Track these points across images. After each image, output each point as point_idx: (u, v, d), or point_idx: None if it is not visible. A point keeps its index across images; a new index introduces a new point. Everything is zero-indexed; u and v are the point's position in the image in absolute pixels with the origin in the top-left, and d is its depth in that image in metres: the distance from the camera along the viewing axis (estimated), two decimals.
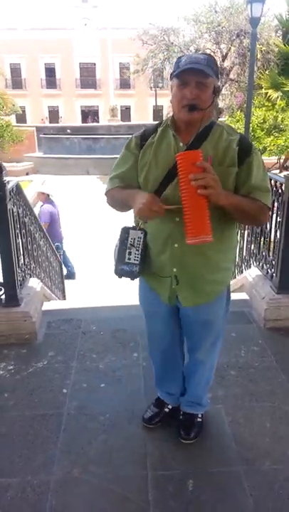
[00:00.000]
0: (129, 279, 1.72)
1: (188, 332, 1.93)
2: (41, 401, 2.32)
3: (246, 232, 3.81)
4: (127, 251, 1.66)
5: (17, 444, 2.04)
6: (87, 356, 2.71)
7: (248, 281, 3.44)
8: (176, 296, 1.75)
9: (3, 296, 2.93)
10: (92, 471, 1.88)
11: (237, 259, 4.06)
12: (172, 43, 13.97)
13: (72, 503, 1.74)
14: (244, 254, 3.85)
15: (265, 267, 3.34)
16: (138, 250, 1.66)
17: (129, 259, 1.65)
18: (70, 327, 3.07)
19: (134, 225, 1.72)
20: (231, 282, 4.03)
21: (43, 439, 2.06)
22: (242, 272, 3.81)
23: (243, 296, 3.46)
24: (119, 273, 1.68)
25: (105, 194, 1.80)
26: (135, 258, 1.66)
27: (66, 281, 5.99)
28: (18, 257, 3.07)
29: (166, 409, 2.14)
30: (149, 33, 14.55)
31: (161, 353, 2.02)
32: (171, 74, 1.58)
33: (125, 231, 1.67)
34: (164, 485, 1.81)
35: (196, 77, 1.48)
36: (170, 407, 2.14)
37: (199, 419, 2.10)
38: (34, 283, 3.34)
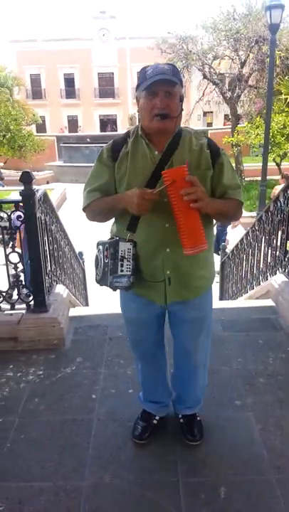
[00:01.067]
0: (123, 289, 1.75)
1: (179, 331, 1.93)
2: (71, 406, 2.35)
3: (272, 237, 3.78)
4: (119, 263, 1.66)
5: (48, 448, 2.06)
6: (114, 362, 2.73)
7: (273, 287, 3.42)
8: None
9: (32, 302, 2.98)
10: (123, 477, 1.89)
11: (262, 266, 4.04)
12: (191, 51, 14.03)
13: (105, 508, 1.76)
14: (269, 260, 3.82)
15: None
16: (129, 261, 1.67)
17: (121, 271, 1.67)
18: (96, 333, 3.10)
19: (118, 237, 1.72)
20: (255, 289, 4.02)
21: (73, 444, 2.08)
22: (267, 279, 3.79)
23: (268, 302, 3.44)
24: (114, 286, 1.68)
25: (84, 209, 1.79)
26: (127, 269, 1.67)
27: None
28: (46, 264, 3.12)
29: (154, 421, 2.11)
30: (167, 42, 14.65)
31: (145, 360, 2.03)
32: (137, 85, 1.63)
33: (115, 244, 1.67)
34: (196, 492, 1.80)
35: (163, 86, 1.54)
36: (157, 418, 2.12)
37: (198, 418, 2.12)
38: (61, 289, 3.39)
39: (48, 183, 18.02)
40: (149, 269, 1.74)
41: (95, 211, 1.78)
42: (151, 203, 1.57)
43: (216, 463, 1.95)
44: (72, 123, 34.44)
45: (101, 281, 1.76)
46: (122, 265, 1.67)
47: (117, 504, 1.77)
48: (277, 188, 8.21)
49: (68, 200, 15.07)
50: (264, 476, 1.87)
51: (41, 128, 29.68)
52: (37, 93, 34.01)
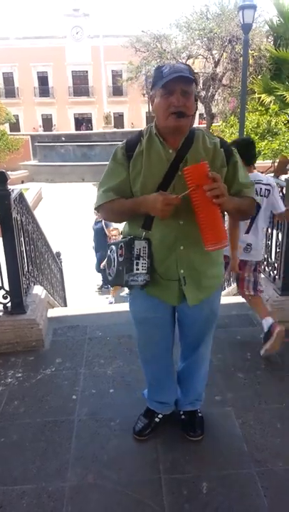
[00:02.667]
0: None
1: (190, 330, 1.95)
2: (52, 408, 2.33)
3: None
4: (135, 262, 1.67)
5: (30, 451, 2.04)
6: (94, 362, 2.72)
7: None
8: (183, 296, 1.78)
9: (9, 304, 2.94)
10: (106, 477, 1.89)
11: None
12: (165, 50, 14.07)
13: (88, 508, 1.75)
14: None
15: (267, 269, 3.37)
16: (145, 260, 1.68)
17: (137, 269, 1.67)
18: (76, 333, 3.08)
19: (132, 235, 1.73)
20: (233, 285, 4.07)
21: (55, 446, 2.07)
22: None
23: None
24: (129, 284, 1.69)
25: (98, 207, 1.79)
26: (143, 267, 1.68)
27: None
28: (22, 265, 3.08)
29: (157, 419, 2.13)
30: (141, 41, 14.64)
31: (155, 361, 2.03)
32: (152, 84, 1.64)
33: (130, 242, 1.68)
34: (178, 488, 1.82)
35: (181, 85, 1.55)
36: (160, 416, 2.14)
37: (200, 414, 2.15)
38: (39, 290, 3.36)
39: (22, 182, 17.77)
40: (163, 267, 1.74)
41: (111, 212, 1.78)
42: (173, 208, 1.58)
43: (198, 458, 1.97)
44: (47, 122, 34.05)
45: (115, 280, 1.75)
46: (137, 263, 1.68)
47: (101, 504, 1.77)
48: None
49: (44, 199, 14.92)
50: (245, 470, 1.91)
51: (15, 127, 29.21)
52: (10, 92, 33.46)
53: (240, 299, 3.57)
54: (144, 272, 1.68)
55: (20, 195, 3.20)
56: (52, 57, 32.41)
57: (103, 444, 2.07)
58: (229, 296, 3.99)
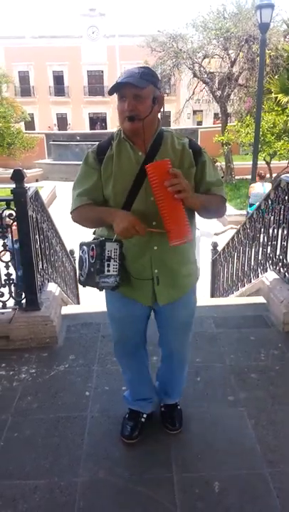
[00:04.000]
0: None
1: (167, 329, 1.96)
2: (64, 404, 2.34)
3: (262, 235, 3.81)
4: (106, 263, 1.67)
5: (42, 446, 2.06)
6: (107, 359, 2.73)
7: (265, 285, 3.45)
8: (155, 295, 1.81)
9: (23, 301, 2.97)
10: (118, 474, 1.90)
11: (253, 263, 4.07)
12: (181, 50, 14.01)
13: (100, 504, 1.76)
14: (260, 257, 3.85)
15: (282, 270, 3.35)
16: (116, 261, 1.68)
17: (108, 271, 1.67)
18: (89, 331, 3.10)
19: (104, 237, 1.73)
20: (247, 286, 4.05)
21: (68, 442, 2.08)
22: (258, 276, 3.82)
23: (260, 299, 3.47)
24: (101, 286, 1.69)
25: (72, 211, 1.79)
26: (114, 269, 1.68)
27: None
28: (37, 262, 3.11)
29: (142, 419, 2.14)
30: (157, 40, 14.62)
31: (130, 358, 2.06)
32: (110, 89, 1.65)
33: (102, 244, 1.67)
34: (190, 487, 1.82)
35: (130, 90, 1.57)
36: (145, 416, 2.15)
37: (179, 407, 2.19)
38: (53, 288, 3.38)
39: (37, 181, 17.90)
40: (137, 268, 1.76)
41: (82, 217, 1.78)
42: (135, 234, 1.59)
43: (210, 458, 1.97)
44: (62, 121, 34.22)
45: (86, 281, 1.76)
46: (108, 265, 1.67)
47: (112, 500, 1.78)
48: (254, 187, 8.25)
49: (58, 198, 14.99)
50: (257, 470, 1.90)
51: (30, 126, 29.40)
52: (25, 90, 33.69)
53: (254, 300, 3.56)
54: (114, 273, 1.68)
55: (36, 193, 3.23)
56: (68, 57, 32.55)
57: (115, 441, 2.08)
58: (244, 297, 3.96)
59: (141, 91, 1.57)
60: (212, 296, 5.94)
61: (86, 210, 1.74)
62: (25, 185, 2.89)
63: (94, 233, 1.89)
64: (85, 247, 1.76)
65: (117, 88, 1.58)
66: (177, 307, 1.86)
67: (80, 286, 5.96)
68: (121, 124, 1.66)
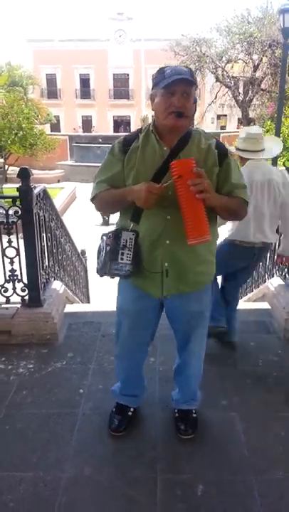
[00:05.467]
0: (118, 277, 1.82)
1: (178, 324, 1.97)
2: (58, 400, 2.37)
3: None
4: (120, 251, 1.72)
5: (32, 440, 2.09)
6: (105, 358, 2.75)
7: (269, 290, 3.41)
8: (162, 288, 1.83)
9: (26, 297, 3.02)
10: (103, 471, 1.91)
11: (260, 269, 4.03)
12: (204, 54, 14.02)
13: (81, 501, 1.77)
14: (267, 263, 3.81)
15: (287, 276, 3.30)
16: (130, 251, 1.73)
17: (122, 259, 1.73)
18: (90, 329, 3.12)
19: (121, 227, 1.79)
20: (254, 292, 4.01)
21: (57, 437, 2.10)
22: (265, 282, 3.78)
23: (264, 305, 3.43)
24: (112, 273, 1.74)
25: (93, 198, 1.85)
26: (128, 258, 1.73)
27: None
28: (42, 260, 3.16)
29: (130, 413, 2.16)
30: (181, 44, 14.68)
31: (130, 353, 2.07)
32: (154, 84, 1.69)
33: (117, 233, 1.74)
34: (173, 488, 1.81)
35: (182, 86, 1.61)
36: (132, 409, 2.17)
37: (194, 415, 2.14)
38: (57, 285, 3.42)
39: (58, 181, 18.16)
40: (148, 260, 1.79)
41: (102, 202, 1.84)
42: (157, 197, 1.63)
43: (196, 461, 1.95)
44: (87, 123, 34.59)
45: (101, 269, 1.81)
46: (122, 253, 1.73)
47: (94, 497, 1.78)
48: None
49: (78, 199, 15.16)
50: (243, 476, 1.87)
51: (55, 127, 29.85)
52: (52, 93, 34.22)
53: (259, 305, 3.53)
54: (128, 262, 1.73)
55: (44, 192, 3.28)
56: (94, 60, 32.90)
57: (104, 439, 2.09)
58: (248, 302, 3.93)
59: (191, 89, 1.63)
60: None
61: (105, 195, 1.80)
62: (37, 184, 2.96)
63: (116, 224, 1.93)
64: (104, 236, 1.83)
65: (173, 83, 1.59)
66: (187, 300, 1.87)
67: (90, 286, 6.03)
68: (163, 118, 1.67)
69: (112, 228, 1.88)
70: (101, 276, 1.84)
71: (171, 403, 2.22)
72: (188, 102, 1.64)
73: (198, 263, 1.83)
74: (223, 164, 1.75)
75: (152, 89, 1.73)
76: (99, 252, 1.83)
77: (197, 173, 1.56)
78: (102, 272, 1.81)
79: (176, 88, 1.61)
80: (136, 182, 1.71)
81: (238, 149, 2.68)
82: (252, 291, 4.26)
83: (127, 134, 1.84)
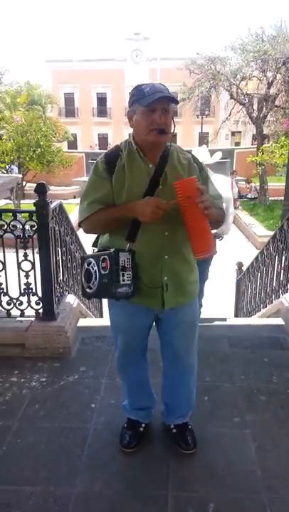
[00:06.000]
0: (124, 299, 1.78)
1: (174, 338, 1.96)
2: (70, 414, 2.37)
3: (284, 256, 3.74)
4: (121, 273, 1.71)
5: (43, 454, 2.09)
6: (117, 373, 2.74)
7: (284, 306, 3.37)
8: (162, 302, 1.84)
9: (40, 310, 3.05)
10: (114, 487, 1.89)
11: (275, 284, 4.00)
12: (219, 72, 14.19)
13: None
14: (281, 278, 3.78)
15: None
16: (129, 271, 1.73)
17: (123, 280, 1.71)
18: (103, 344, 3.13)
19: (114, 247, 1.75)
20: (268, 307, 3.97)
21: (68, 452, 2.10)
22: (279, 297, 3.74)
23: (278, 321, 3.40)
24: (117, 296, 1.72)
25: (83, 221, 1.81)
26: (128, 278, 1.73)
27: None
28: (57, 274, 3.19)
29: (141, 429, 2.15)
30: (196, 63, 14.89)
31: (134, 367, 2.07)
32: (133, 101, 1.71)
33: (115, 254, 1.70)
34: (184, 506, 1.79)
35: (162, 104, 1.66)
36: (144, 425, 2.15)
37: (190, 426, 2.13)
38: (71, 299, 3.45)
39: (74, 197, 18.36)
40: (148, 276, 1.80)
41: (96, 223, 1.81)
42: (164, 213, 1.66)
43: (208, 478, 1.92)
44: (103, 140, 35.11)
45: (99, 293, 1.80)
46: (123, 275, 1.72)
47: None
48: None
49: None
50: (256, 495, 1.84)
51: (72, 145, 30.38)
52: (70, 111, 34.96)
53: (272, 321, 3.49)
54: (128, 282, 1.73)
55: (60, 207, 3.33)
56: (111, 79, 33.58)
57: (115, 454, 2.08)
58: (261, 318, 3.89)
59: (169, 106, 1.69)
60: (236, 316, 5.84)
61: (101, 215, 1.77)
62: (54, 200, 3.02)
63: (93, 245, 1.94)
64: (92, 259, 1.79)
65: (156, 101, 1.62)
66: (182, 312, 1.90)
67: (103, 300, 6.03)
68: (145, 135, 1.70)
69: (92, 251, 1.90)
70: (89, 299, 1.86)
71: (162, 418, 2.20)
72: (168, 118, 1.68)
73: (190, 273, 1.90)
74: (201, 177, 1.80)
75: (130, 106, 1.75)
76: (89, 276, 1.79)
77: (202, 190, 1.61)
78: (99, 295, 1.82)
79: (157, 105, 1.65)
80: (129, 200, 1.73)
81: None
82: (266, 306, 4.22)
83: (106, 152, 1.83)
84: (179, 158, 1.80)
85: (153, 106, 1.65)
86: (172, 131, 1.71)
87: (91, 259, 1.80)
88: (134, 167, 1.76)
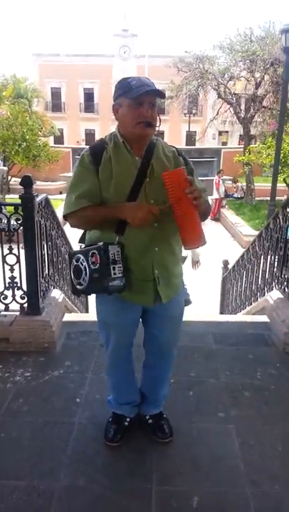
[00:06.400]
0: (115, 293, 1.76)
1: (162, 331, 1.97)
2: (54, 409, 2.35)
3: (269, 256, 3.78)
4: (111, 266, 1.69)
5: (27, 448, 2.07)
6: (102, 368, 2.72)
7: (269, 303, 3.41)
8: (156, 296, 1.84)
9: (25, 305, 3.01)
10: (98, 481, 1.89)
11: (260, 282, 4.03)
12: (207, 71, 14.22)
13: (75, 511, 1.75)
14: (266, 276, 3.81)
15: (287, 289, 3.30)
16: (120, 263, 1.71)
17: (114, 274, 1.70)
18: (88, 339, 3.11)
19: (102, 241, 1.72)
20: (253, 305, 4.01)
21: (52, 446, 2.08)
22: (264, 295, 3.77)
23: (263, 318, 3.43)
24: (109, 289, 1.70)
25: (69, 215, 1.78)
26: (119, 271, 1.71)
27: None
28: (42, 268, 3.16)
29: (126, 423, 2.15)
30: (184, 61, 14.89)
31: (122, 362, 2.07)
32: (119, 94, 1.72)
33: (104, 248, 1.69)
34: (168, 500, 1.79)
35: (149, 97, 1.68)
36: (128, 420, 2.16)
37: (165, 415, 2.17)
38: (56, 294, 3.42)
39: (60, 193, 18.21)
40: (138, 268, 1.79)
41: (83, 219, 1.79)
42: (152, 218, 1.66)
43: (192, 473, 1.93)
44: (90, 136, 34.90)
45: (89, 288, 1.76)
46: (114, 268, 1.70)
47: (88, 508, 1.76)
48: None
49: None
50: (239, 489, 1.85)
51: (59, 140, 30.10)
52: (57, 106, 34.64)
53: (257, 318, 3.52)
54: (120, 275, 1.71)
55: (46, 200, 3.29)
56: (99, 75, 33.36)
57: (99, 449, 2.07)
58: (247, 315, 3.92)
59: (155, 100, 1.71)
60: (221, 313, 5.88)
61: (88, 212, 1.74)
62: (40, 193, 2.98)
63: (80, 241, 1.93)
64: (80, 255, 1.77)
65: (143, 94, 1.64)
66: (170, 306, 1.91)
67: (89, 296, 6.00)
68: (131, 128, 1.70)
69: (79, 247, 1.88)
70: (78, 296, 1.84)
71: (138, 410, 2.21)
72: (154, 112, 1.70)
73: (176, 264, 1.91)
74: (187, 170, 1.79)
75: (115, 99, 1.75)
76: (79, 272, 1.76)
77: (190, 181, 1.62)
78: (90, 290, 1.78)
79: (144, 99, 1.66)
80: (116, 193, 1.72)
81: None
82: (251, 304, 4.26)
83: (91, 145, 1.83)
84: (164, 151, 1.82)
85: (140, 99, 1.66)
86: (158, 125, 1.72)
87: (79, 255, 1.77)
88: (121, 159, 1.75)
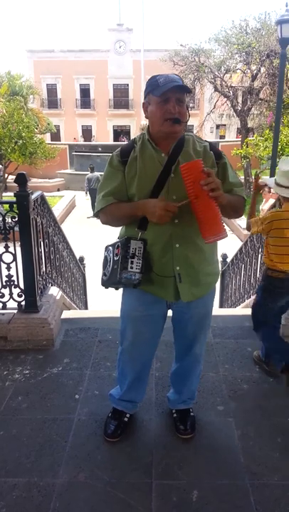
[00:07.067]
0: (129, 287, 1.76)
1: (186, 329, 1.97)
2: (53, 406, 2.35)
3: None
4: (130, 260, 1.70)
5: (26, 445, 2.07)
6: (101, 364, 2.74)
7: None
8: (178, 293, 1.82)
9: (23, 303, 3.01)
10: (98, 477, 1.89)
11: (258, 275, 4.03)
12: (203, 64, 14.13)
13: (75, 506, 1.75)
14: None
15: None
16: (140, 259, 1.72)
17: (131, 268, 1.70)
18: (86, 335, 3.11)
19: (128, 236, 1.76)
20: (252, 298, 4.00)
21: (52, 443, 2.08)
22: None
23: None
24: (122, 282, 1.71)
25: (98, 212, 1.85)
26: (137, 267, 1.71)
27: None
28: (39, 266, 3.16)
29: (126, 419, 2.16)
30: (180, 55, 14.79)
31: (141, 359, 2.05)
32: (148, 92, 1.71)
33: (126, 241, 1.72)
34: (168, 494, 1.80)
35: (176, 94, 1.66)
36: (128, 415, 2.17)
37: (192, 414, 2.17)
38: (54, 291, 3.42)
39: (58, 190, 18.20)
40: (159, 265, 1.79)
41: (110, 216, 1.83)
42: (171, 215, 1.65)
43: (192, 466, 1.94)
44: (87, 132, 34.81)
45: (109, 279, 1.79)
46: (132, 262, 1.71)
47: (88, 503, 1.77)
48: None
49: (77, 207, 15.21)
50: (239, 482, 1.86)
51: (56, 137, 30.02)
52: (53, 102, 34.49)
53: None
54: (137, 271, 1.71)
55: (42, 198, 3.29)
56: (94, 70, 33.20)
57: (99, 444, 2.07)
58: (245, 308, 3.92)
59: (183, 95, 1.68)
60: (221, 307, 5.88)
61: (113, 209, 1.80)
62: (35, 190, 2.97)
63: (119, 237, 1.93)
64: (110, 247, 1.83)
65: (169, 90, 1.62)
66: (196, 306, 1.88)
67: (89, 293, 6.01)
68: (159, 125, 1.70)
69: (116, 239, 1.88)
70: (106, 288, 1.83)
71: (167, 404, 2.24)
72: (182, 108, 1.68)
73: (207, 264, 1.86)
74: (219, 165, 1.80)
75: (145, 97, 1.76)
76: (105, 263, 1.83)
77: (207, 172, 1.58)
78: (109, 282, 1.79)
79: (170, 95, 1.64)
80: (139, 190, 1.74)
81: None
82: (250, 297, 4.25)
83: (123, 144, 1.86)
84: (195, 146, 1.79)
85: (167, 95, 1.64)
86: (187, 120, 1.70)
87: (110, 247, 1.84)
88: (147, 157, 1.76)
